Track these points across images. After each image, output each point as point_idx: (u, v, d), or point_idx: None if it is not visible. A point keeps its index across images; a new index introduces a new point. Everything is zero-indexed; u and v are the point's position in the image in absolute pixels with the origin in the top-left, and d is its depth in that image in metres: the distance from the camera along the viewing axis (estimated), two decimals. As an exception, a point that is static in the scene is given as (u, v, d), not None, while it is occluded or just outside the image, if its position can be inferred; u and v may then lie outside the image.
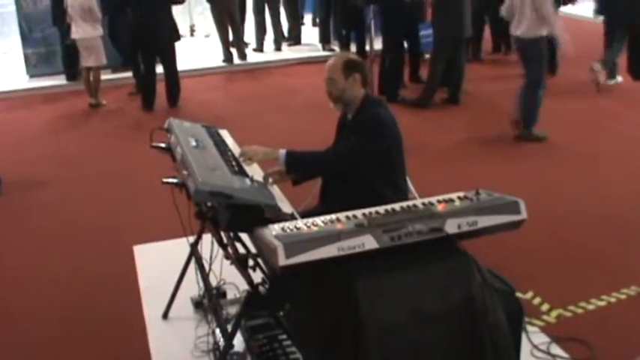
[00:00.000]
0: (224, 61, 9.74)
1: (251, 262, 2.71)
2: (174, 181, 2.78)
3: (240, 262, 2.64)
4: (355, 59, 3.21)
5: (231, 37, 9.77)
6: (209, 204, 2.76)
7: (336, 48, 10.19)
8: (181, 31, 12.05)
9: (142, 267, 4.15)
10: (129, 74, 8.45)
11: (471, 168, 5.58)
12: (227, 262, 2.79)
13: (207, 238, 3.03)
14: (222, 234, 2.82)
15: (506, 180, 5.24)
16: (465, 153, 6.01)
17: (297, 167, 3.06)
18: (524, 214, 2.42)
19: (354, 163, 3.04)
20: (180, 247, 3.46)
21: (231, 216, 2.47)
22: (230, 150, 3.08)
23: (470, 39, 7.81)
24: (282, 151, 2.99)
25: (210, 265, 3.01)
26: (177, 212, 2.94)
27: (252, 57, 10.10)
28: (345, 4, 9.18)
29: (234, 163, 2.86)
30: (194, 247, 3.21)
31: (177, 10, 12.28)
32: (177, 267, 3.45)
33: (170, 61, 7.72)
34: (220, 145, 3.11)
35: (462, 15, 7.06)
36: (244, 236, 2.85)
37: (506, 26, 9.22)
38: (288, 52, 10.44)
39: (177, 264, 3.45)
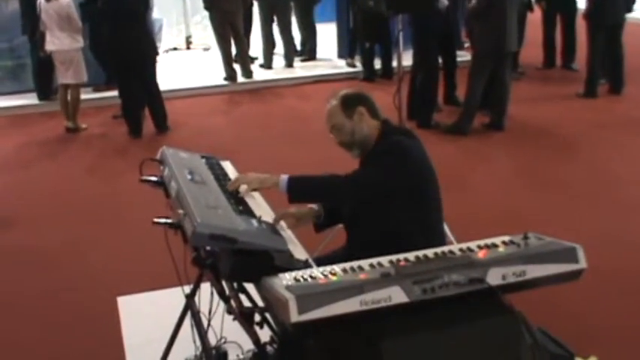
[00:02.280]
0: (226, 79, 9.88)
1: (257, 318, 2.71)
2: (168, 221, 2.80)
3: (245, 318, 2.65)
4: (351, 93, 3.25)
5: (234, 52, 9.91)
6: (209, 248, 2.79)
7: (358, 64, 10.31)
8: (176, 43, 12.45)
9: (128, 322, 4.16)
10: (114, 94, 8.55)
11: (519, 206, 5.59)
12: (229, 317, 2.80)
13: (205, 288, 3.05)
14: (224, 284, 2.84)
15: (562, 221, 5.23)
16: (511, 188, 6.03)
17: (302, 193, 3.05)
18: (583, 263, 2.41)
19: (370, 195, 3.05)
20: (173, 298, 3.47)
21: (234, 263, 2.49)
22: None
23: (515, 53, 7.88)
24: (283, 177, 3.01)
25: (209, 320, 3.02)
26: (171, 258, 2.96)
27: (259, 75, 10.26)
28: (366, 11, 9.33)
29: (238, 200, 2.89)
30: (190, 298, 3.21)
31: (171, 19, 12.63)
32: (170, 322, 3.45)
33: (148, 80, 7.82)
34: (222, 178, 3.13)
35: (506, 24, 7.13)
36: (250, 287, 2.86)
37: (569, 34, 9.60)
38: (301, 70, 10.57)
39: (170, 319, 3.45)
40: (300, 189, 3.04)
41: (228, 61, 9.82)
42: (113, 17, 7.47)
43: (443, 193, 3.26)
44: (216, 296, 2.89)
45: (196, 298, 3.18)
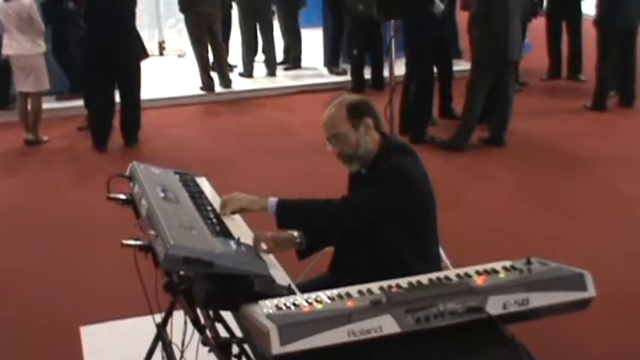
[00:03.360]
0: (202, 88, 9.90)
1: (235, 350, 2.71)
2: (138, 243, 2.80)
3: (222, 349, 2.64)
4: (360, 100, 3.24)
5: (211, 59, 9.94)
6: (182, 273, 2.78)
7: (346, 71, 10.36)
8: (148, 49, 12.40)
9: (91, 355, 4.12)
10: (79, 103, 8.55)
11: (520, 229, 5.61)
12: (204, 349, 2.79)
13: (178, 316, 3.04)
14: (199, 312, 2.83)
15: (568, 245, 5.26)
16: (512, 209, 6.06)
17: (292, 218, 3.08)
18: (592, 291, 2.43)
19: (367, 222, 3.06)
20: (142, 328, 3.44)
21: (210, 289, 2.48)
22: (210, 203, 3.11)
23: (517, 62, 7.93)
24: (272, 200, 3.02)
25: (183, 352, 3.00)
26: (141, 283, 2.95)
27: (239, 84, 10.29)
28: (356, 15, 9.38)
29: (214, 220, 2.89)
30: (162, 328, 3.20)
31: (142, 22, 12.63)
32: (139, 355, 3.44)
33: (132, 87, 7.81)
34: (197, 196, 3.13)
35: (508, 29, 7.16)
36: (228, 315, 2.85)
37: (575, 42, 9.69)
38: (284, 79, 10.61)
39: (139, 351, 3.44)
40: (290, 214, 3.05)
41: (204, 68, 9.84)
42: (100, 16, 7.43)
43: (438, 213, 3.28)
44: (190, 325, 2.88)
45: (168, 328, 3.18)
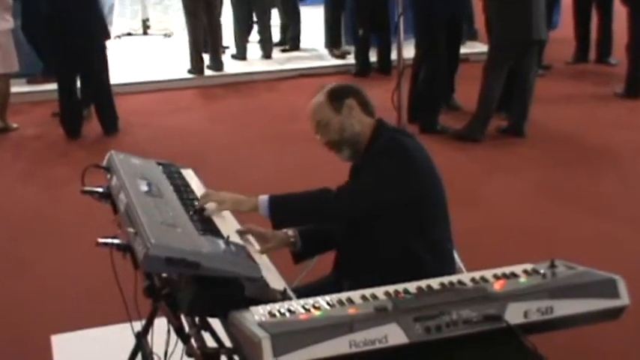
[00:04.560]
0: (190, 71, 9.88)
1: (224, 361, 2.69)
2: (115, 241, 2.78)
3: (209, 360, 2.63)
4: (339, 85, 3.33)
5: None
6: (165, 275, 2.76)
7: (350, 53, 10.34)
8: (131, 28, 12.45)
9: (64, 366, 4.12)
10: (52, 87, 8.50)
11: (542, 228, 5.59)
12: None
13: (161, 324, 3.02)
14: (184, 319, 2.81)
15: (596, 247, 5.24)
16: (534, 206, 6.05)
17: (287, 216, 3.07)
18: (625, 298, 2.41)
19: (368, 207, 3.06)
20: (120, 337, 3.43)
21: (196, 293, 2.47)
22: (197, 198, 3.09)
23: (543, 43, 7.89)
24: (263, 198, 3.01)
25: (165, 361, 3.00)
26: (119, 287, 2.93)
27: (232, 67, 10.32)
28: None
29: (201, 217, 2.88)
30: (142, 337, 3.19)
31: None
32: (116, 363, 3.44)
33: (96, 70, 7.83)
34: (183, 190, 3.12)
35: (532, 5, 7.10)
36: (215, 323, 2.83)
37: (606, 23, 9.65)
38: (282, 61, 10.60)
39: (116, 358, 3.44)
40: (284, 211, 3.04)
41: (196, 47, 9.82)
42: None
43: (451, 210, 3.27)
44: (173, 334, 2.85)
45: (149, 337, 3.16)
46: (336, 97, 3.20)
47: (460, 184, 5.97)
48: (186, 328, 2.81)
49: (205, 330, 2.91)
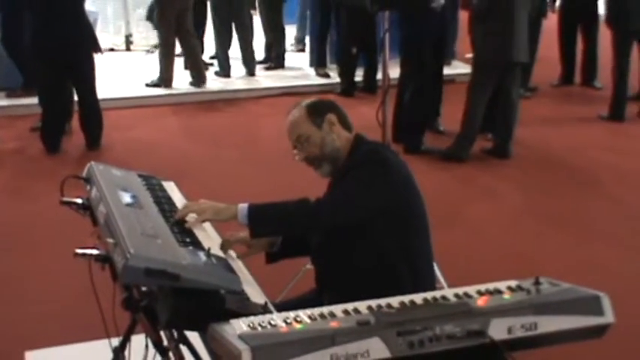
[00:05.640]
0: (153, 84, 9.95)
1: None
2: (94, 252, 2.76)
3: (187, 376, 2.61)
4: (317, 100, 3.35)
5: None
6: (144, 289, 2.74)
7: (332, 74, 10.36)
8: (114, 43, 12.43)
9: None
10: (32, 101, 8.48)
11: (527, 249, 5.60)
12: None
13: (138, 340, 2.99)
14: (162, 333, 2.79)
15: (581, 268, 5.25)
16: (518, 227, 6.06)
17: (266, 226, 3.07)
18: (610, 316, 2.41)
19: (349, 218, 3.06)
20: (97, 353, 3.40)
21: (175, 306, 2.44)
22: (177, 210, 3.07)
23: (525, 65, 7.95)
24: (243, 206, 3.00)
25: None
26: (97, 300, 2.90)
27: (214, 84, 10.34)
28: (349, 7, 9.33)
29: (182, 228, 2.86)
30: (119, 352, 3.16)
31: (107, 14, 12.63)
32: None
33: (85, 83, 7.83)
34: (164, 202, 3.11)
35: (513, 27, 7.18)
36: (194, 337, 2.81)
37: (591, 46, 9.74)
38: (265, 79, 10.61)
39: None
40: (264, 220, 3.03)
41: (169, 59, 9.88)
42: (43, 4, 7.41)
43: (434, 231, 3.28)
44: (151, 350, 2.83)
45: (127, 353, 3.13)
46: (317, 112, 3.22)
47: (444, 205, 5.99)
48: (165, 342, 2.79)
49: (184, 344, 2.89)
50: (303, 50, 12.09)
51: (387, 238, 3.08)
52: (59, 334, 4.45)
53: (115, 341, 3.12)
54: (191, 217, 2.99)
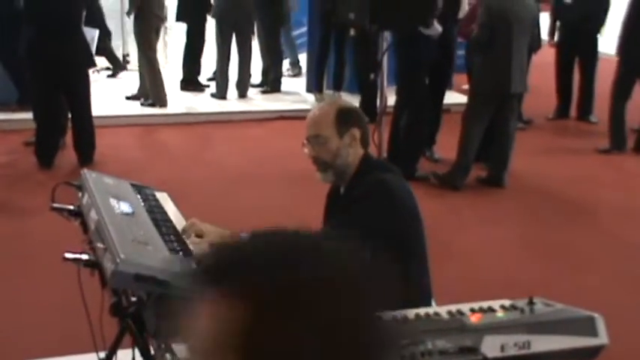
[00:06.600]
0: (145, 104, 9.96)
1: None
2: (83, 257, 2.73)
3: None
4: (353, 107, 3.27)
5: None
6: (133, 299, 2.71)
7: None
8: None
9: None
10: (27, 115, 8.46)
11: (521, 279, 5.56)
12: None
13: (125, 356, 2.96)
14: (151, 341, 2.75)
15: (574, 300, 5.18)
16: (512, 257, 6.05)
17: None
18: (603, 337, 2.40)
19: None
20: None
21: (165, 314, 2.42)
22: (169, 219, 3.06)
23: (521, 95, 7.97)
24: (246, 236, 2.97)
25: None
26: (85, 307, 2.88)
27: (209, 105, 10.38)
28: (363, 29, 9.18)
29: (174, 237, 2.84)
30: (106, 362, 3.13)
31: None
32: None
33: (79, 99, 7.84)
34: (156, 211, 3.09)
35: (512, 58, 7.23)
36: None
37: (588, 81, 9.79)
38: (261, 102, 10.62)
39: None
40: None
41: (156, 78, 9.96)
42: (41, 20, 7.43)
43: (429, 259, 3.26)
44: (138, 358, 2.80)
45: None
46: (344, 121, 3.15)
47: (438, 234, 5.93)
48: (152, 351, 2.76)
49: (171, 354, 2.86)
50: (299, 75, 12.12)
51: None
52: (45, 347, 4.41)
53: (103, 355, 3.10)
54: (194, 240, 2.95)
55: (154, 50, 9.85)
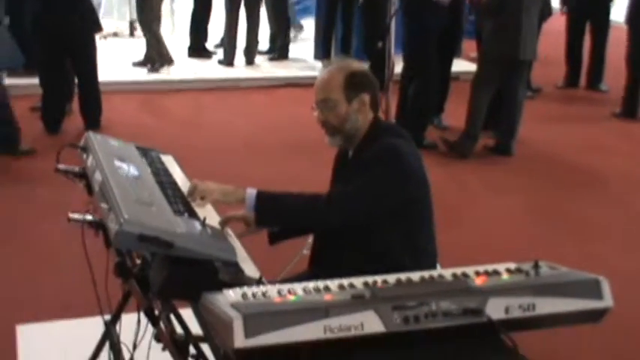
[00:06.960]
0: (153, 70, 9.99)
1: (193, 350, 2.65)
2: (87, 217, 2.73)
3: (177, 345, 2.57)
4: (362, 71, 3.21)
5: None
6: (138, 261, 2.72)
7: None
8: (117, 28, 12.42)
9: (27, 357, 4.05)
10: (34, 80, 8.45)
11: (528, 248, 5.56)
12: (158, 346, 2.74)
13: (130, 319, 2.98)
14: (155, 302, 2.77)
15: (581, 268, 5.19)
16: (520, 226, 6.04)
17: (273, 216, 3.02)
18: (608, 300, 2.38)
19: (359, 217, 3.02)
20: (88, 329, 3.42)
21: (168, 274, 2.42)
22: (175, 182, 3.06)
23: (531, 63, 7.92)
24: (251, 192, 2.96)
25: (133, 354, 2.95)
26: (88, 265, 2.88)
27: (217, 72, 10.34)
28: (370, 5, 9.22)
29: (178, 199, 2.84)
30: (110, 325, 3.14)
31: (113, 0, 12.62)
32: (82, 357, 3.37)
33: (85, 64, 7.87)
34: (161, 174, 3.09)
35: (522, 25, 7.17)
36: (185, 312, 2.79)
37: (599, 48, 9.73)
38: (269, 69, 10.59)
39: (83, 353, 3.38)
40: (272, 210, 2.98)
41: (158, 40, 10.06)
42: None
43: (435, 227, 3.25)
44: (142, 326, 2.82)
45: (118, 327, 3.11)
46: (354, 86, 3.10)
47: (445, 202, 5.91)
48: (157, 311, 2.77)
49: (175, 315, 2.87)
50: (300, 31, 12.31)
51: (393, 233, 3.05)
52: (51, 309, 4.43)
53: (108, 317, 3.12)
54: (198, 201, 2.96)
55: (156, 15, 9.91)
